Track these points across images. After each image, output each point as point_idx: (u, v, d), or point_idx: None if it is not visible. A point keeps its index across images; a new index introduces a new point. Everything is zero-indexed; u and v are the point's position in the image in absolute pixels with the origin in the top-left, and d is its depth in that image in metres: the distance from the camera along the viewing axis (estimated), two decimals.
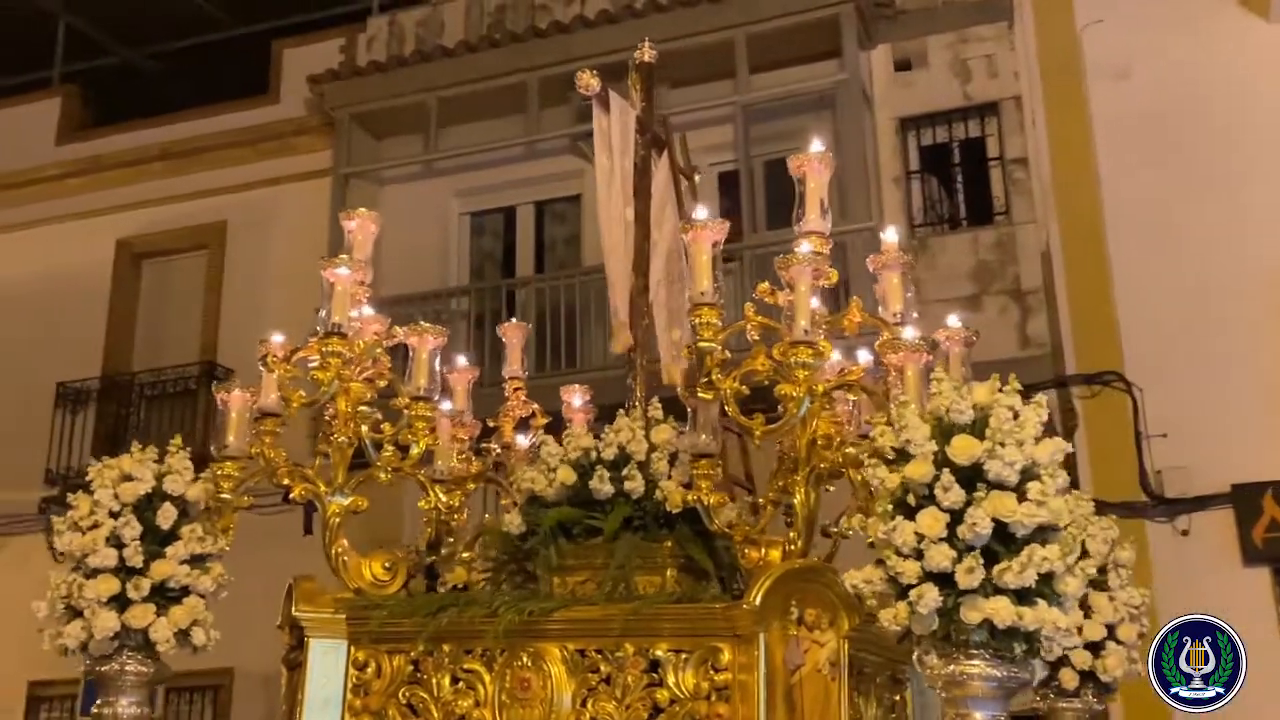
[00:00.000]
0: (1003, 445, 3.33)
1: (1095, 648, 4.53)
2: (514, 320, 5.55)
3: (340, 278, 4.50)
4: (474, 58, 12.35)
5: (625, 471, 4.34)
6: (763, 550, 4.04)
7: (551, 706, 4.01)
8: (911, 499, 3.36)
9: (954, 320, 4.53)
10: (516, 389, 5.31)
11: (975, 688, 3.30)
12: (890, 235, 4.41)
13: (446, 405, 4.86)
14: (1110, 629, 4.54)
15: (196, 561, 4.44)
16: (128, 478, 4.48)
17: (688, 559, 4.31)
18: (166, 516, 4.41)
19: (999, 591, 3.26)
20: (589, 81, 4.77)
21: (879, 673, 4.18)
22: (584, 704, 3.99)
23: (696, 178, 5.24)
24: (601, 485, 4.32)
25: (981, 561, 3.26)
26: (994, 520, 3.27)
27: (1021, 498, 3.30)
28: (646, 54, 5.08)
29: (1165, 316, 9.83)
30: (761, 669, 3.76)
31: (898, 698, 4.34)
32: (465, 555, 4.78)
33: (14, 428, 12.68)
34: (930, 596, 3.25)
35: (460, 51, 12.43)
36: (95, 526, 4.40)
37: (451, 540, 4.84)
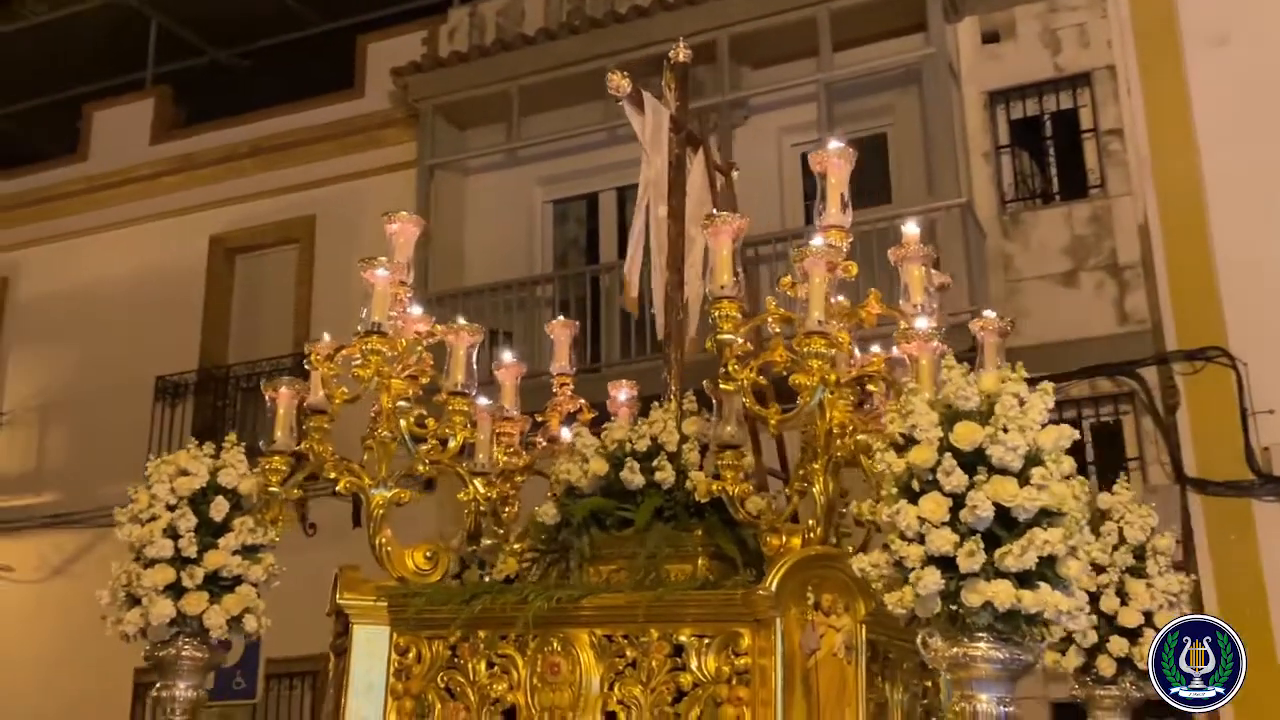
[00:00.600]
0: (1005, 431, 3.33)
1: (1133, 635, 4.50)
2: (561, 318, 5.61)
3: (379, 279, 4.62)
4: (554, 45, 12.37)
5: (655, 463, 4.42)
6: (783, 538, 4.10)
7: (581, 690, 4.11)
8: (915, 484, 3.40)
9: (989, 312, 4.51)
10: (564, 384, 5.40)
11: (979, 670, 3.33)
12: (910, 228, 4.39)
13: (483, 400, 4.95)
14: (1148, 616, 4.49)
15: (248, 552, 4.63)
16: (184, 473, 4.69)
17: (718, 547, 4.37)
18: (219, 509, 4.61)
19: (1001, 575, 3.27)
20: (620, 83, 4.82)
21: (906, 658, 4.18)
22: (611, 687, 4.08)
23: (734, 174, 5.26)
24: (632, 476, 4.40)
25: (982, 545, 3.27)
26: (996, 505, 3.28)
27: (1025, 483, 3.30)
28: (681, 54, 5.12)
29: (1270, 288, 9.56)
30: (779, 653, 3.81)
31: (928, 684, 4.34)
32: (516, 546, 4.88)
33: (116, 422, 13.00)
34: (931, 579, 3.28)
35: (540, 39, 12.47)
36: (153, 519, 4.62)
37: (501, 531, 4.94)
